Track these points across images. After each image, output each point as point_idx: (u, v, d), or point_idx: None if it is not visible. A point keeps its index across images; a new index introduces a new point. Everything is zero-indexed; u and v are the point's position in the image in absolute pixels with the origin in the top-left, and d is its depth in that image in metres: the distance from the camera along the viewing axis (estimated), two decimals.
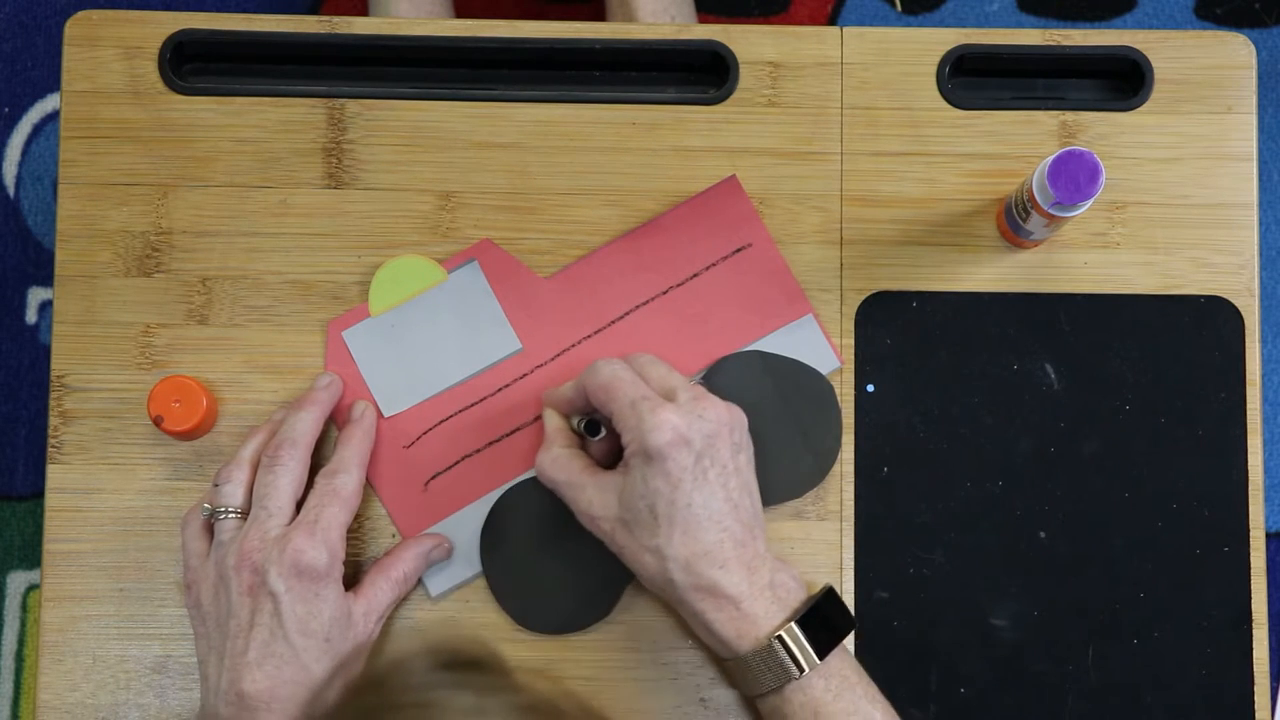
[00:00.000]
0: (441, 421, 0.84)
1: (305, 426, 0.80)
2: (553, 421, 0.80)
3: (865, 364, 0.85)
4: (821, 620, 0.75)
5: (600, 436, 0.79)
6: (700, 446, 0.74)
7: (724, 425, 0.75)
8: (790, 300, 0.85)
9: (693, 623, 0.76)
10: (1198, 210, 0.86)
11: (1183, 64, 0.87)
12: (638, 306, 0.85)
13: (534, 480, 0.83)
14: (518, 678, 0.52)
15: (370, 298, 0.84)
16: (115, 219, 0.85)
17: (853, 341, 0.85)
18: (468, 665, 0.51)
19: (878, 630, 0.83)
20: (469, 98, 0.86)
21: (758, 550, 0.76)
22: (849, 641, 0.82)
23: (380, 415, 0.83)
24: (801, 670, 0.74)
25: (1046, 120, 0.87)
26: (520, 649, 0.83)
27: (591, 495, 0.76)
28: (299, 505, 0.78)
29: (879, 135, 0.86)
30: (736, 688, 0.81)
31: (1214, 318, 0.85)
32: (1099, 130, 0.86)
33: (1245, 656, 0.83)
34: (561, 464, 0.78)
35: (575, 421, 0.80)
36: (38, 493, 1.46)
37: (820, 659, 0.74)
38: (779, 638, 0.74)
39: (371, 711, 0.50)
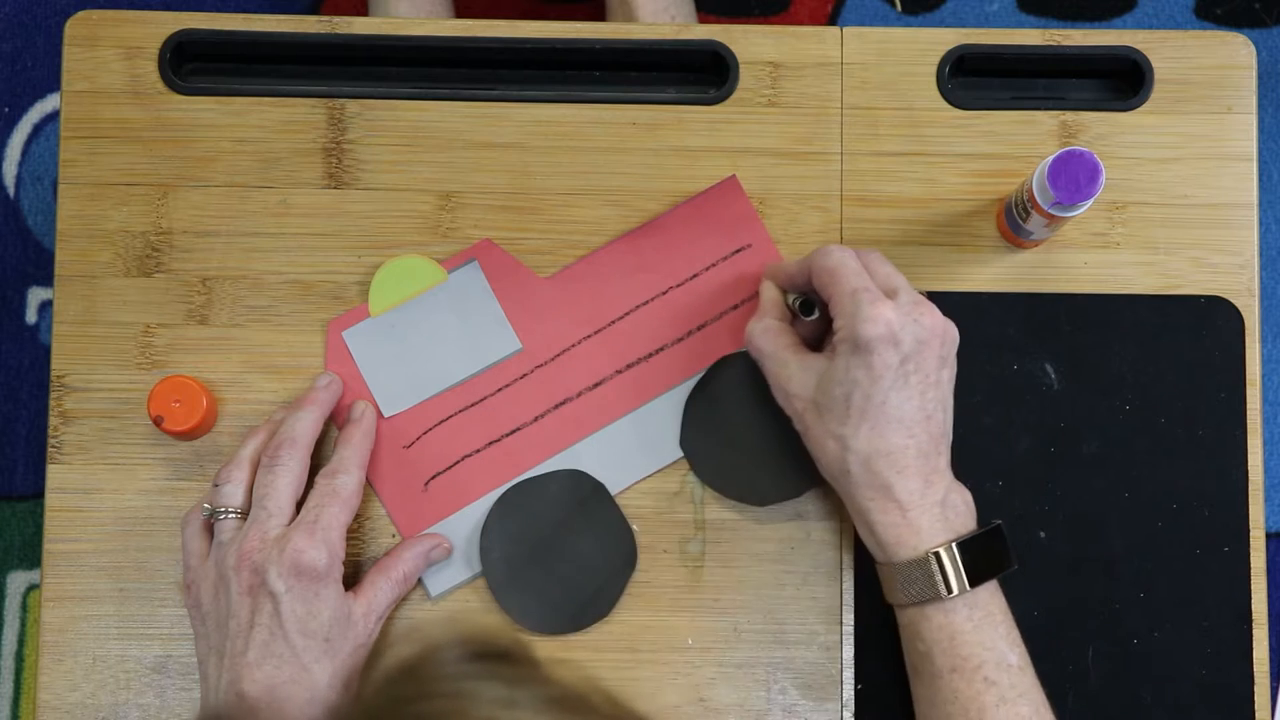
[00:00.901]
0: (441, 421, 0.84)
1: (305, 426, 0.80)
2: (770, 293, 0.81)
3: None
4: (982, 551, 0.75)
5: (813, 317, 0.79)
6: (909, 349, 0.74)
7: (936, 335, 0.75)
8: None
9: (857, 518, 0.77)
10: (1198, 210, 0.86)
11: (1183, 64, 0.87)
12: (638, 306, 0.85)
13: (534, 480, 0.83)
14: (546, 669, 0.52)
15: (370, 298, 0.84)
16: (115, 219, 0.85)
17: None
18: (498, 656, 0.51)
19: (878, 630, 0.82)
20: (469, 98, 0.86)
21: (938, 466, 0.76)
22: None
23: (380, 415, 0.83)
24: (950, 591, 0.74)
25: (1046, 120, 0.87)
26: None
27: (793, 371, 0.77)
28: (299, 505, 0.79)
29: (879, 135, 0.86)
30: (883, 593, 0.80)
31: (1214, 318, 0.85)
32: (1099, 130, 0.86)
33: (1245, 656, 0.83)
34: (771, 335, 0.79)
35: (791, 298, 0.81)
36: (38, 493, 1.46)
37: (971, 587, 0.74)
38: (935, 554, 0.74)
39: (406, 700, 0.50)
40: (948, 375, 0.77)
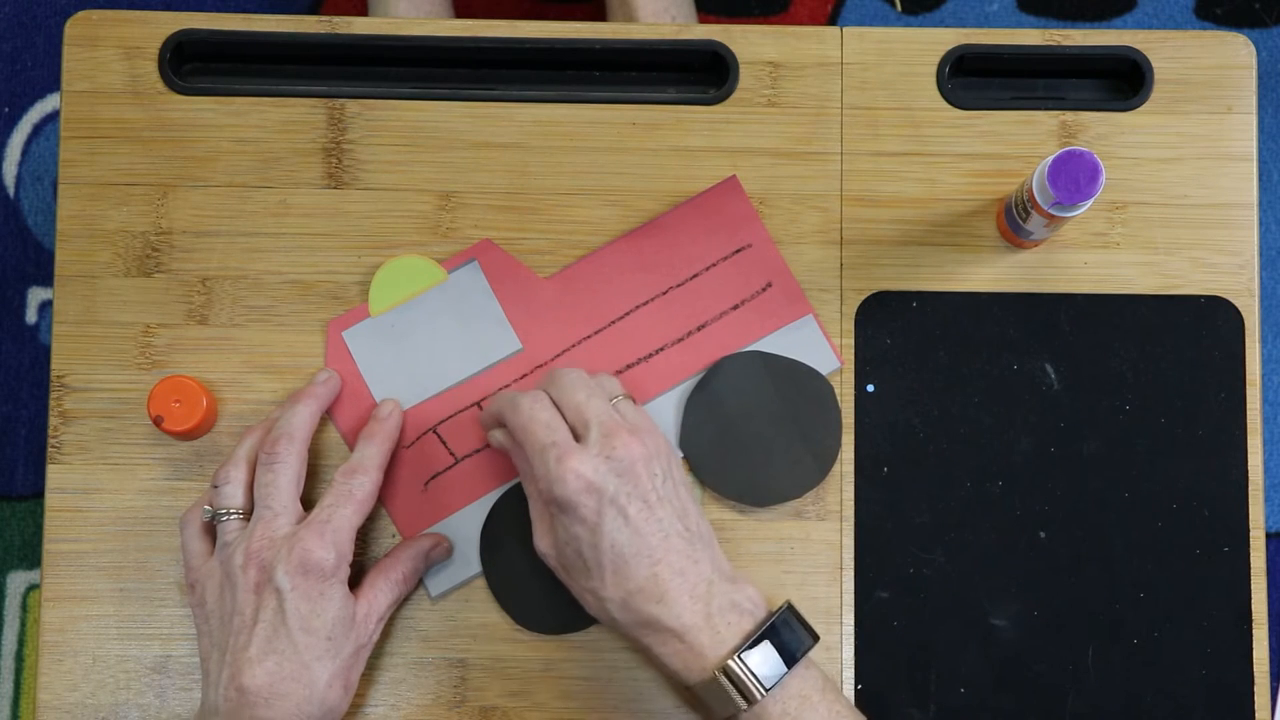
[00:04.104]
0: (442, 421, 0.84)
1: (301, 420, 0.80)
2: (498, 439, 0.79)
3: (865, 364, 0.85)
4: (777, 642, 0.73)
5: None
6: (612, 488, 0.73)
7: (638, 460, 0.73)
8: (790, 300, 0.85)
9: (644, 656, 0.75)
10: (1198, 210, 0.86)
11: (1183, 64, 0.87)
12: (638, 306, 0.85)
13: None
14: None
15: (370, 298, 0.84)
16: (115, 219, 0.85)
17: (853, 341, 0.85)
18: None
19: (878, 630, 0.83)
20: (469, 98, 0.86)
21: (701, 575, 0.74)
22: (834, 652, 0.83)
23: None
24: (751, 700, 0.72)
25: (1046, 120, 0.87)
26: (520, 649, 0.83)
27: (544, 530, 0.76)
28: (303, 499, 0.79)
29: (879, 135, 0.86)
30: (699, 714, 0.81)
31: (1214, 318, 0.85)
32: (1099, 130, 0.86)
33: (1245, 656, 0.83)
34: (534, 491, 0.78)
35: None
36: (38, 493, 1.46)
37: (778, 681, 0.72)
38: (724, 669, 0.72)
39: None
40: (673, 483, 0.75)
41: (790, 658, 0.73)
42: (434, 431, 0.84)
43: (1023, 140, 0.86)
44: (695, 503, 0.77)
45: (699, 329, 0.85)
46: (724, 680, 0.72)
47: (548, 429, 0.74)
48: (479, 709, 0.82)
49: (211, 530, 0.80)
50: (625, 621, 0.74)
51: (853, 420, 0.84)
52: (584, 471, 0.72)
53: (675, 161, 0.86)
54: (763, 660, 0.72)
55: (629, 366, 0.84)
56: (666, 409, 0.84)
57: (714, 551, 0.76)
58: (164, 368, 0.84)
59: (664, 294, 0.85)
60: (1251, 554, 0.83)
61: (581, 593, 0.75)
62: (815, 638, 0.75)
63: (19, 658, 1.45)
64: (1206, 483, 0.84)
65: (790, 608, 0.75)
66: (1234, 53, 0.87)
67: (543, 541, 0.76)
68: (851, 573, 0.83)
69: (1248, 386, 0.85)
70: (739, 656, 0.72)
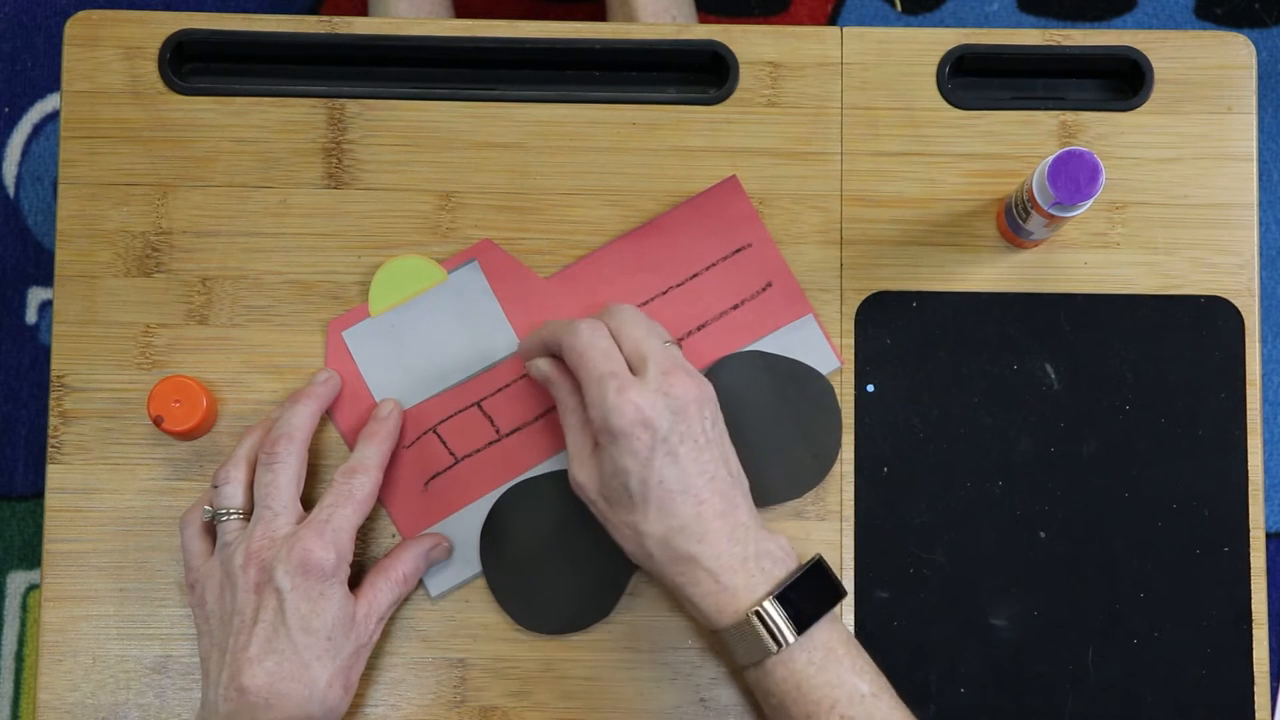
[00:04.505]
0: (442, 421, 0.84)
1: (301, 420, 0.80)
2: (543, 369, 0.79)
3: (865, 364, 0.85)
4: (806, 592, 0.74)
5: None
6: (666, 425, 0.73)
7: (691, 401, 0.75)
8: (790, 300, 0.85)
9: (676, 595, 0.76)
10: (1198, 210, 0.86)
11: (1183, 64, 0.87)
12: (638, 306, 0.85)
13: (534, 480, 0.83)
14: None
15: (370, 298, 0.84)
16: (115, 219, 0.85)
17: (853, 341, 0.85)
18: None
19: (878, 630, 0.83)
20: (469, 98, 0.86)
21: (739, 520, 0.75)
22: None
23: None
24: (780, 644, 0.73)
25: (1046, 120, 0.87)
26: (520, 649, 0.83)
27: (583, 461, 0.76)
28: (303, 499, 0.79)
29: (879, 135, 0.86)
30: (724, 658, 0.81)
31: (1214, 318, 0.85)
32: (1099, 130, 0.86)
33: (1245, 656, 0.83)
34: (572, 420, 0.78)
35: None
36: (38, 493, 1.46)
37: (803, 631, 0.73)
38: (757, 612, 0.73)
39: None
40: (716, 430, 0.76)
41: (819, 609, 0.74)
42: (434, 431, 0.84)
43: (1023, 140, 0.86)
44: (734, 453, 0.77)
45: (699, 329, 0.85)
46: (756, 623, 0.73)
47: (607, 357, 0.75)
48: (479, 709, 0.83)
49: (211, 530, 0.80)
50: (662, 558, 0.74)
51: (853, 420, 0.84)
52: (642, 405, 0.73)
53: (675, 161, 0.86)
54: (794, 608, 0.73)
55: None
56: None
57: (749, 501, 0.77)
58: (164, 368, 0.84)
59: (664, 294, 0.85)
60: (1251, 554, 0.84)
61: (620, 526, 0.75)
62: (844, 592, 0.76)
63: (19, 658, 1.45)
64: (1206, 483, 0.84)
65: (821, 560, 0.76)
66: (1234, 53, 0.87)
67: (581, 472, 0.76)
68: (851, 573, 0.83)
69: (1248, 386, 0.85)
70: (774, 600, 0.73)
